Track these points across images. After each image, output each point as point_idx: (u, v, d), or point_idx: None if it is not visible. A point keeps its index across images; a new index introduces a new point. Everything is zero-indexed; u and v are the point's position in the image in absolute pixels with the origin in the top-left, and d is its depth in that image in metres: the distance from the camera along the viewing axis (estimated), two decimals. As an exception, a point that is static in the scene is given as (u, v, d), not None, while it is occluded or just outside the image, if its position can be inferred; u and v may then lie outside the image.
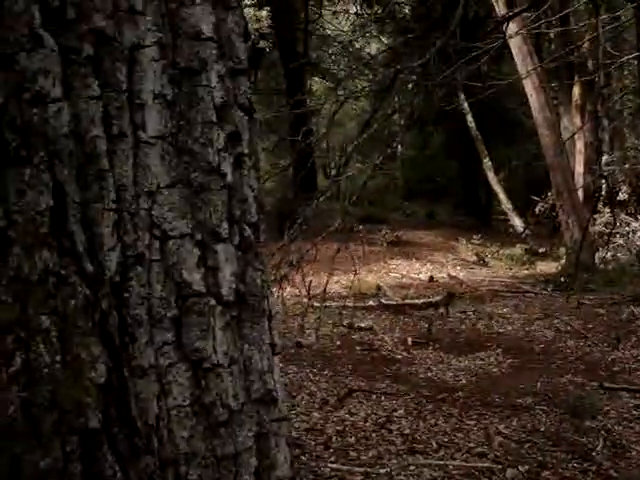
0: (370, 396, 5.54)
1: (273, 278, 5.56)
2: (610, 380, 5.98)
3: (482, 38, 6.83)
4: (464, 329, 8.49)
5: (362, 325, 8.40)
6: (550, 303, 9.96)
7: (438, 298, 9.96)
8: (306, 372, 6.23)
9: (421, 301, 10.01)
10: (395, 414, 5.08)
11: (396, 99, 9.57)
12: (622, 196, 13.60)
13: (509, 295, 10.91)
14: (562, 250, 13.47)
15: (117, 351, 1.28)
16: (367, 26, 20.00)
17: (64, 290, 1.21)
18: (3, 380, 1.12)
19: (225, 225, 1.49)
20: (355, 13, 20.48)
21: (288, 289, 6.78)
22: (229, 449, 1.45)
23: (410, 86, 7.01)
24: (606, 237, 11.68)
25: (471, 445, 4.42)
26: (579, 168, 15.23)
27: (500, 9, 12.00)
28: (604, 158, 15.18)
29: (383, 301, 9.93)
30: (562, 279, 11.18)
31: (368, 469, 3.90)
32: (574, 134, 14.06)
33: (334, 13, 22.01)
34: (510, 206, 18.08)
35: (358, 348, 7.40)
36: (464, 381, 6.18)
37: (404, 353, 7.25)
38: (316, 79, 24.51)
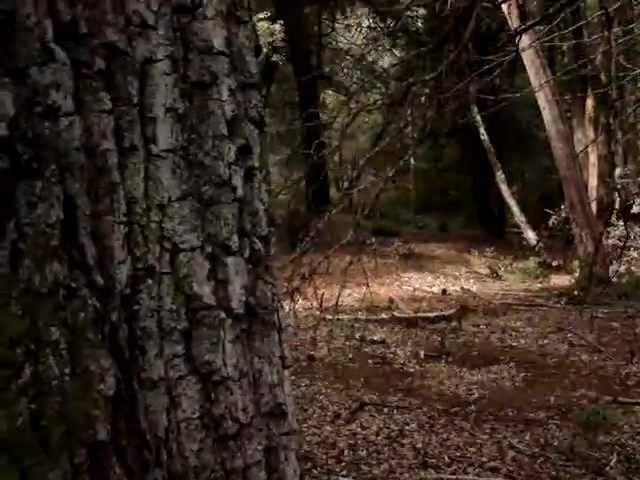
0: (382, 409, 5.52)
1: (285, 290, 5.56)
2: (624, 394, 5.94)
3: (495, 51, 6.83)
4: (477, 342, 8.46)
5: (374, 338, 8.39)
6: (564, 316, 9.92)
7: (451, 311, 9.95)
8: (318, 385, 6.23)
9: (434, 314, 9.99)
10: (407, 428, 5.06)
11: (409, 112, 9.57)
12: (636, 209, 13.51)
13: (522, 308, 10.87)
14: (575, 263, 13.40)
15: (127, 364, 1.28)
16: (380, 39, 20.03)
17: (74, 302, 1.21)
18: (12, 392, 1.12)
19: (235, 238, 1.49)
20: (368, 26, 20.59)
21: (300, 301, 6.78)
22: (238, 462, 1.44)
23: (423, 99, 7.02)
24: (620, 250, 11.61)
25: (484, 459, 4.40)
26: (592, 181, 15.20)
27: (513, 22, 12.03)
28: (617, 171, 15.16)
29: (395, 314, 9.92)
30: (575, 292, 11.13)
31: (380, 483, 3.88)
32: (587, 147, 14.04)
33: (347, 26, 22.10)
34: (523, 219, 18.02)
35: (370, 361, 7.39)
36: (477, 395, 6.15)
37: (416, 366, 7.23)
38: (329, 92, 24.60)
